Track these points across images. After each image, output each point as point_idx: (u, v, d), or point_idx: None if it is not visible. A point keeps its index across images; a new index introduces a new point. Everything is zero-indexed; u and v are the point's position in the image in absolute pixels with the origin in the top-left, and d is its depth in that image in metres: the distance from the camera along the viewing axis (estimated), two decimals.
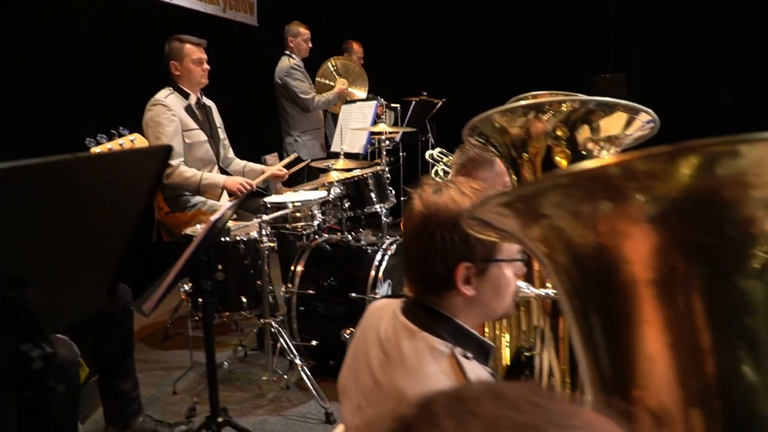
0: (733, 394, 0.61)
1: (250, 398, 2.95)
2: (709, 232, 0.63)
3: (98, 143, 2.43)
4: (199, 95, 3.59)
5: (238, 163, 3.83)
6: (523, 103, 1.51)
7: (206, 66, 3.49)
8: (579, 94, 1.52)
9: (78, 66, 3.93)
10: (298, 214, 3.20)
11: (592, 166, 0.62)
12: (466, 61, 6.93)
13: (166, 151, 1.12)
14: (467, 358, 1.20)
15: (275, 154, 5.31)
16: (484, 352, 1.28)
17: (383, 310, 1.38)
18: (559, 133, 1.45)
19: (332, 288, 3.02)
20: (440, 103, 6.05)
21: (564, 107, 1.47)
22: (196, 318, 3.27)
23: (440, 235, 1.20)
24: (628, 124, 1.46)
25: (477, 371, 1.18)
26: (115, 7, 4.36)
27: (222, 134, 3.75)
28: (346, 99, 5.32)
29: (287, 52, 5.11)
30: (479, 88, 6.63)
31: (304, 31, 5.06)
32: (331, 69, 5.53)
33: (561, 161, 1.46)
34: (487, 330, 1.70)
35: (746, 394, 0.60)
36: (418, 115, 5.74)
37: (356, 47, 6.37)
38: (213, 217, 1.78)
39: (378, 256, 2.95)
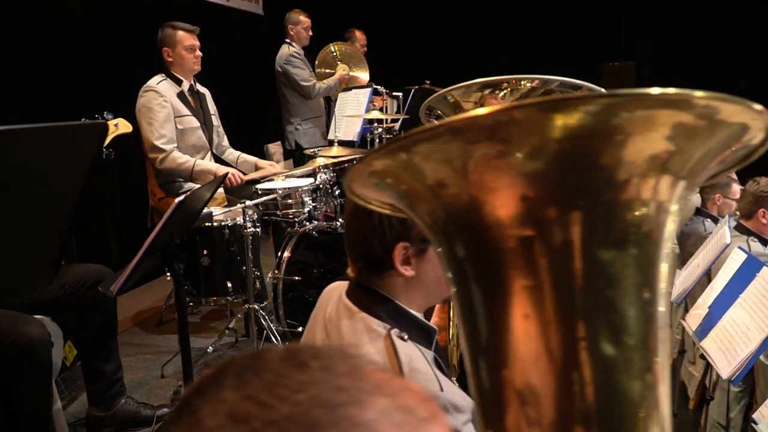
0: (593, 369, 0.59)
1: None
2: (583, 195, 0.60)
3: None
4: (192, 82, 3.59)
5: (232, 153, 3.84)
6: (480, 80, 1.49)
7: (198, 53, 3.49)
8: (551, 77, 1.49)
9: (77, 53, 3.97)
10: (288, 201, 3.20)
11: (463, 116, 0.59)
12: (471, 49, 6.87)
13: (102, 128, 1.12)
14: (403, 339, 1.18)
15: (278, 143, 5.32)
16: (425, 335, 1.26)
17: (333, 292, 1.38)
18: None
19: (319, 274, 3.03)
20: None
21: (523, 85, 1.45)
22: (191, 303, 3.30)
23: (378, 214, 1.19)
24: None
25: (412, 353, 1.16)
26: None
27: (216, 121, 3.76)
28: (347, 85, 5.30)
29: (287, 41, 5.10)
30: (484, 76, 6.55)
31: (304, 20, 5.04)
32: (333, 53, 5.50)
33: None
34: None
35: (605, 369, 0.58)
36: (419, 104, 5.69)
37: (359, 35, 6.34)
38: (178, 199, 1.78)
39: None
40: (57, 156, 1.09)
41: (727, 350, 2.09)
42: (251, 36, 6.26)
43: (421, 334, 1.25)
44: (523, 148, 0.56)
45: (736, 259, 2.40)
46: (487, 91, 1.44)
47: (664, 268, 0.64)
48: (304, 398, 0.39)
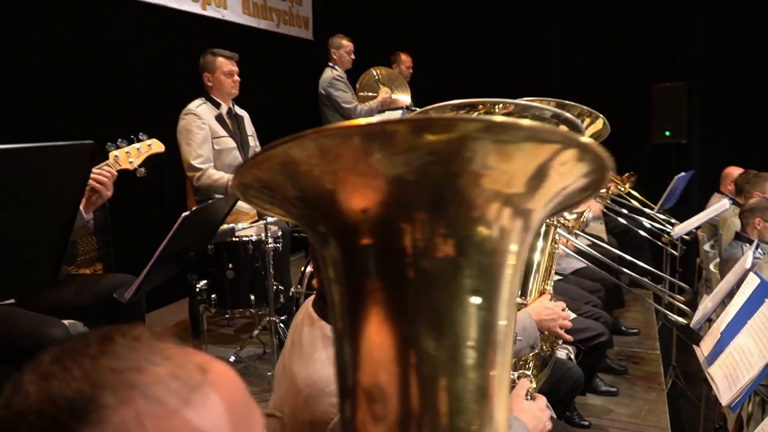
0: (422, 371, 0.64)
1: (257, 392, 3.08)
2: (432, 208, 0.66)
3: (117, 147, 2.66)
4: (230, 105, 3.80)
5: None
6: (456, 101, 1.55)
7: (237, 78, 3.70)
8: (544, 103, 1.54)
9: (120, 75, 4.28)
10: None
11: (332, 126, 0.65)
12: (519, 71, 6.86)
13: (89, 147, 1.26)
14: None
15: None
16: None
17: (308, 303, 1.46)
18: None
19: None
20: None
21: (498, 109, 1.51)
22: (226, 315, 3.46)
23: None
24: None
25: None
26: (178, 22, 4.69)
27: (252, 142, 3.94)
28: (388, 107, 5.43)
29: (330, 64, 5.29)
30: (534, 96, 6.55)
31: (346, 44, 5.22)
32: (375, 77, 5.65)
33: None
34: None
35: (432, 371, 0.64)
36: None
37: (404, 58, 6.47)
38: (185, 213, 1.92)
39: None
40: (50, 172, 1.23)
41: (731, 377, 2.03)
42: (301, 60, 6.51)
43: None
44: (388, 158, 0.63)
45: (750, 284, 2.33)
46: (462, 112, 1.51)
47: (505, 285, 0.69)
48: (99, 364, 0.49)
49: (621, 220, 5.25)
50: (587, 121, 2.41)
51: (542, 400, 1.48)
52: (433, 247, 0.66)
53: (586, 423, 3.35)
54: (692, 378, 3.81)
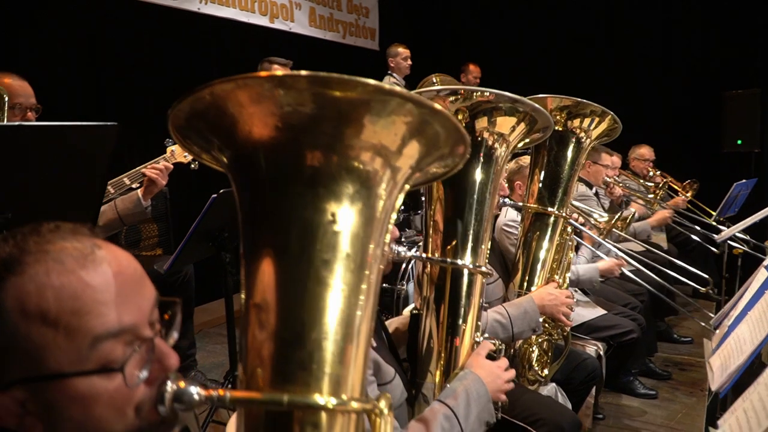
0: (293, 286, 0.83)
1: None
2: (320, 148, 0.85)
3: (174, 143, 3.01)
4: None
5: None
6: (440, 87, 1.72)
7: None
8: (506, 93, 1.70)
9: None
10: None
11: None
12: (589, 78, 6.80)
13: (113, 128, 1.53)
14: None
15: None
16: None
17: None
18: (460, 116, 1.64)
19: None
20: None
21: (476, 96, 1.67)
22: None
23: None
24: (513, 129, 1.63)
25: None
26: (248, 35, 5.09)
27: None
28: None
29: (389, 72, 5.53)
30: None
31: (403, 51, 5.45)
32: (434, 83, 5.83)
33: None
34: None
35: (301, 286, 0.83)
36: None
37: (473, 68, 6.62)
38: (214, 195, 2.19)
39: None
40: (78, 148, 1.52)
41: (724, 365, 2.06)
42: (367, 70, 6.80)
43: None
44: (288, 105, 0.83)
45: (760, 279, 2.33)
46: (443, 93, 1.68)
47: (368, 219, 0.88)
48: (27, 238, 0.72)
49: (676, 227, 5.13)
50: (597, 120, 2.50)
51: (504, 362, 1.60)
52: (316, 175, 0.86)
53: (600, 416, 3.38)
54: (741, 386, 3.71)
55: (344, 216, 0.86)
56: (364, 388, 0.89)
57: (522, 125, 1.66)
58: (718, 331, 2.39)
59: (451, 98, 1.65)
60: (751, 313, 2.13)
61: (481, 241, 1.64)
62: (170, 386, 0.78)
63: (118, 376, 0.73)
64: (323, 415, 0.82)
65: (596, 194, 4.66)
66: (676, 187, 5.68)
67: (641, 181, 5.34)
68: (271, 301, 0.85)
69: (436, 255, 1.63)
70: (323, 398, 0.80)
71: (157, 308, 0.82)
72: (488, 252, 1.67)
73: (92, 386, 0.72)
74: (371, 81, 0.83)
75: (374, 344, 1.50)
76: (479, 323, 1.70)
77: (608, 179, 4.65)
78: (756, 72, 6.33)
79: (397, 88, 0.87)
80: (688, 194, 5.64)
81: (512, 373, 1.61)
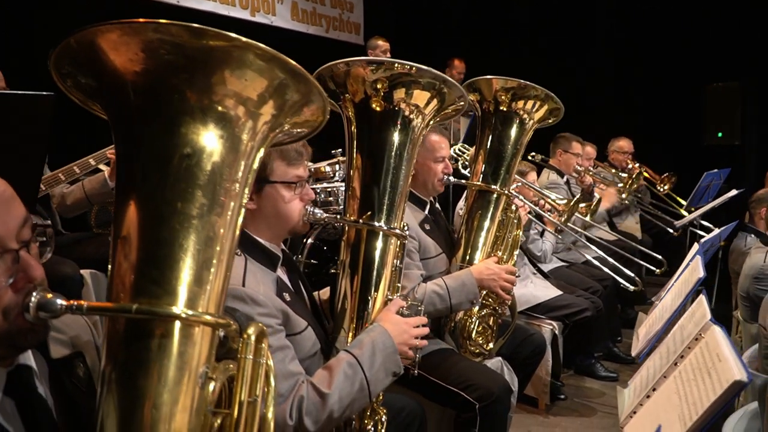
0: (150, 219, 0.94)
1: None
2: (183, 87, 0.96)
3: None
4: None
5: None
6: (365, 57, 1.81)
7: None
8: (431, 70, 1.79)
9: None
10: (329, 198, 3.64)
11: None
12: (572, 71, 6.87)
13: (49, 98, 1.63)
14: (237, 254, 1.55)
15: None
16: (268, 259, 1.62)
17: None
18: (379, 85, 1.74)
19: (330, 258, 3.42)
20: None
21: (397, 68, 1.76)
22: None
23: None
24: (428, 102, 1.73)
25: (238, 265, 1.52)
26: (227, 28, 5.20)
27: None
28: None
29: None
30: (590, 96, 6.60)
31: (382, 44, 5.53)
32: None
33: (375, 107, 1.75)
34: None
35: (157, 218, 0.93)
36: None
37: (458, 63, 6.70)
38: None
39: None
40: (17, 116, 1.62)
41: (648, 332, 2.15)
42: None
43: (264, 257, 1.61)
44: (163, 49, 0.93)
45: (692, 252, 2.42)
46: (370, 67, 1.75)
47: (224, 157, 0.98)
48: None
49: (649, 217, 5.21)
50: (539, 102, 2.59)
51: (416, 320, 1.69)
52: (178, 113, 0.95)
53: (562, 396, 3.47)
54: None
55: (201, 152, 0.96)
56: (220, 308, 0.99)
57: (436, 100, 1.76)
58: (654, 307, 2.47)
59: (371, 67, 1.74)
60: (677, 283, 2.22)
61: (396, 205, 1.73)
62: (35, 296, 0.88)
63: None
64: (176, 325, 0.92)
65: (567, 183, 4.74)
66: (653, 180, 5.76)
67: (615, 171, 5.42)
68: (132, 230, 0.95)
69: (352, 219, 1.73)
70: (174, 309, 0.91)
71: (30, 229, 0.92)
72: (403, 216, 1.77)
73: None
74: (243, 38, 0.95)
75: (288, 299, 1.60)
76: (400, 285, 1.80)
77: (579, 168, 4.73)
78: (736, 65, 6.39)
79: (265, 47, 0.98)
80: (666, 187, 5.71)
81: (422, 330, 1.69)
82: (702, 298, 1.66)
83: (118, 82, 0.95)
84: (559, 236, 3.95)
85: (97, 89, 0.99)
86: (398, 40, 6.06)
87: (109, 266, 0.96)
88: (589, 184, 4.81)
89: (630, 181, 4.95)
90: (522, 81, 2.59)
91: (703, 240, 2.60)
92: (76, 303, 0.89)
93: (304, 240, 3.54)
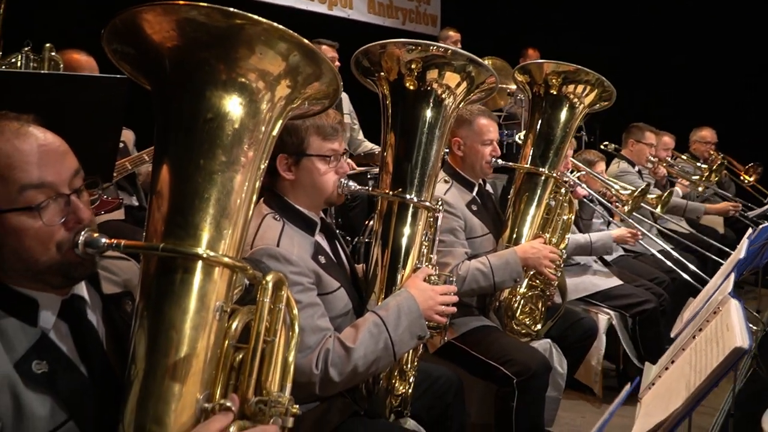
0: (180, 176, 1.10)
1: None
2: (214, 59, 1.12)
3: None
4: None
5: (366, 146, 4.57)
6: (401, 40, 1.92)
7: (337, 63, 4.27)
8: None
9: None
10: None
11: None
12: (659, 61, 6.62)
13: (123, 81, 1.85)
14: (275, 219, 1.71)
15: None
16: (306, 224, 1.76)
17: None
18: (413, 66, 1.85)
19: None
20: None
21: (433, 50, 1.86)
22: None
23: None
24: (458, 85, 1.83)
25: (274, 225, 1.68)
26: (306, 22, 5.43)
27: (349, 119, 4.51)
28: (495, 97, 5.71)
29: None
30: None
31: (453, 35, 5.60)
32: None
33: (409, 87, 1.86)
34: None
35: (185, 175, 1.09)
36: None
37: (532, 53, 6.64)
38: None
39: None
40: (87, 98, 1.85)
41: (690, 315, 2.12)
42: None
43: (301, 222, 1.76)
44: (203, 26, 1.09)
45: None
46: (404, 47, 1.87)
47: (246, 125, 1.13)
48: None
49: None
50: (593, 89, 2.60)
51: (444, 288, 1.78)
52: (205, 82, 1.11)
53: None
54: None
55: (223, 117, 1.12)
56: (238, 254, 1.13)
57: (466, 83, 1.85)
58: None
59: (408, 47, 1.85)
60: (723, 266, 2.18)
61: (426, 179, 1.84)
62: (83, 234, 1.06)
63: (39, 218, 1.02)
64: (198, 264, 1.07)
65: (639, 173, 4.62)
66: (737, 171, 5.49)
67: (697, 164, 5.20)
68: (164, 185, 1.11)
69: (384, 192, 1.85)
70: (197, 249, 1.06)
71: (81, 180, 1.10)
72: (434, 190, 1.87)
73: (21, 222, 1.01)
74: (264, 20, 1.10)
75: (323, 262, 1.74)
76: (433, 256, 1.90)
77: (652, 158, 4.60)
78: None
79: (283, 28, 1.13)
80: (751, 178, 5.43)
81: (449, 298, 1.79)
82: (731, 276, 1.65)
83: (156, 55, 1.12)
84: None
85: (140, 61, 1.16)
86: (474, 31, 6.09)
87: (146, 218, 1.13)
88: (662, 176, 4.67)
89: (709, 172, 4.76)
90: (574, 65, 2.60)
91: (763, 225, 2.51)
92: (116, 241, 1.06)
93: (367, 222, 3.69)
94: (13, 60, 2.30)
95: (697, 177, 4.74)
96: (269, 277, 1.15)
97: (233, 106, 1.13)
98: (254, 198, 1.17)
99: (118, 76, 1.88)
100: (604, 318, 3.31)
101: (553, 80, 2.61)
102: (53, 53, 2.41)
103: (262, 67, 1.14)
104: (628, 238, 3.38)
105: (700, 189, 4.70)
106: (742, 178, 5.37)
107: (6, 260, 1.04)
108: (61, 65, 2.51)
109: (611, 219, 3.85)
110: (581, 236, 3.25)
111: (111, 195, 3.10)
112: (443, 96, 1.83)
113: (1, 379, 0.99)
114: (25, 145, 1.02)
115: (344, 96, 4.54)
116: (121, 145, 3.26)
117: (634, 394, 1.59)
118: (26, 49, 2.34)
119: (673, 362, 1.56)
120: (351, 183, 1.78)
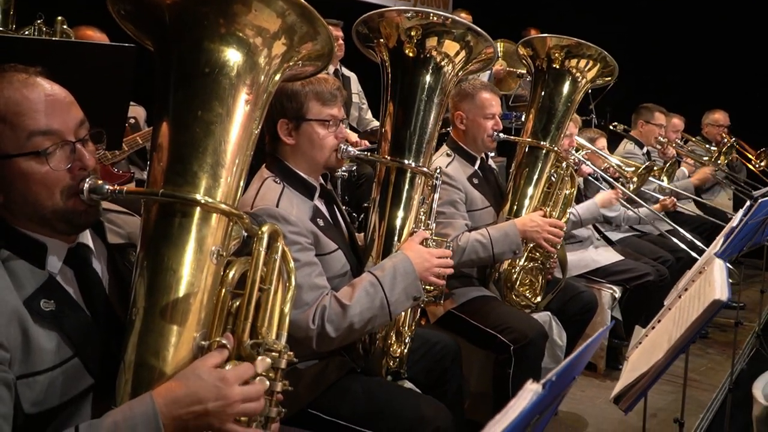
0: (178, 131, 1.16)
1: None
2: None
3: None
4: (337, 66, 4.45)
5: (374, 124, 4.61)
6: (404, 7, 1.96)
7: (340, 42, 4.30)
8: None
9: None
10: None
11: None
12: (668, 43, 6.56)
13: (131, 49, 1.91)
14: (275, 182, 1.77)
15: None
16: (306, 188, 1.82)
17: None
18: (413, 33, 1.89)
19: None
20: None
21: (433, 18, 1.90)
22: None
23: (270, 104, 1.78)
24: (457, 54, 1.86)
25: (274, 188, 1.73)
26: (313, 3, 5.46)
27: (357, 99, 4.56)
28: (504, 80, 5.72)
29: None
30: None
31: (464, 16, 5.59)
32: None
33: (408, 54, 1.90)
34: None
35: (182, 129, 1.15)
36: None
37: (534, 33, 6.63)
38: None
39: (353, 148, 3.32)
40: (96, 66, 1.91)
41: None
42: None
43: (301, 186, 1.81)
44: None
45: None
46: (403, 15, 1.91)
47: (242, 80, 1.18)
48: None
49: (739, 193, 4.96)
50: (595, 63, 2.62)
51: (440, 251, 1.83)
52: (204, 35, 1.17)
53: (620, 367, 3.44)
54: None
55: (220, 70, 1.17)
56: (234, 203, 1.19)
57: (464, 51, 1.88)
58: None
59: (408, 14, 1.88)
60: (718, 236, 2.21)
61: (424, 146, 1.88)
62: (88, 181, 1.13)
63: (46, 163, 1.08)
64: (197, 209, 1.13)
65: (648, 154, 4.62)
66: (749, 155, 5.46)
67: (707, 146, 5.19)
68: (164, 136, 1.18)
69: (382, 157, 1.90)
70: (194, 194, 1.12)
71: (86, 130, 1.16)
72: (431, 157, 1.91)
73: (29, 166, 1.08)
74: None
75: (321, 224, 1.80)
76: (429, 221, 1.95)
77: (661, 139, 4.60)
78: None
79: None
80: (762, 163, 5.41)
81: (445, 261, 1.83)
82: (719, 240, 1.69)
83: (156, 11, 1.17)
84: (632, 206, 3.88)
85: (142, 20, 1.22)
86: (486, 13, 6.07)
87: (147, 169, 1.19)
88: (671, 156, 4.66)
89: (718, 154, 4.74)
90: (576, 39, 2.62)
91: (762, 200, 2.52)
92: (118, 187, 1.12)
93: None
94: (27, 32, 2.38)
95: (707, 158, 4.73)
96: (265, 228, 1.21)
97: (231, 59, 1.18)
98: (251, 151, 1.23)
99: (127, 44, 1.95)
100: (607, 293, 3.34)
101: (556, 54, 2.63)
102: (65, 26, 2.47)
103: (259, 23, 1.19)
104: (614, 198, 3.34)
105: (708, 171, 4.69)
106: (753, 162, 5.34)
107: (15, 204, 1.11)
108: (73, 38, 2.57)
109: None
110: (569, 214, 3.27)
111: (122, 169, 3.18)
112: (442, 64, 1.87)
113: (11, 313, 1.06)
114: (33, 94, 1.08)
115: (353, 77, 4.59)
116: (133, 120, 3.34)
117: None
118: (39, 22, 2.41)
119: (659, 322, 1.60)
120: (350, 148, 1.83)
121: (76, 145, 1.12)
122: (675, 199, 3.70)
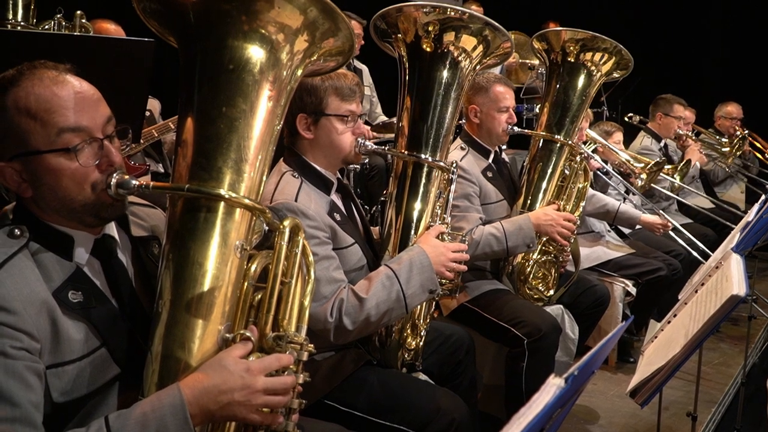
0: (202, 128, 1.18)
1: None
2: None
3: None
4: (351, 60, 4.45)
5: (382, 118, 4.62)
6: (420, 2, 1.97)
7: (361, 41, 4.27)
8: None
9: None
10: None
11: None
12: (686, 37, 6.50)
13: (149, 44, 1.93)
14: (294, 176, 1.79)
15: None
16: (323, 183, 1.83)
17: None
18: (430, 28, 1.90)
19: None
20: None
21: (451, 13, 1.91)
22: None
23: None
24: (474, 48, 1.87)
25: (292, 182, 1.75)
26: None
27: (369, 91, 4.56)
28: (515, 72, 5.70)
29: None
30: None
31: (476, 8, 5.58)
32: None
33: (425, 48, 1.91)
34: None
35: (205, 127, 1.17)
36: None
37: (553, 26, 6.59)
38: None
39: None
40: (114, 60, 1.93)
41: None
42: None
43: (319, 181, 1.83)
44: None
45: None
46: (421, 10, 1.92)
47: (265, 76, 1.20)
48: (24, 67, 1.11)
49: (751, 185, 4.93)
50: (611, 57, 2.62)
51: (455, 245, 1.85)
52: (227, 33, 1.18)
53: (632, 360, 3.46)
54: None
55: (244, 67, 1.19)
56: (257, 198, 1.21)
57: (482, 46, 1.89)
58: None
59: (425, 9, 1.89)
60: (734, 230, 2.21)
61: (441, 141, 1.89)
62: (116, 176, 1.15)
63: (75, 159, 1.10)
64: (221, 204, 1.15)
65: (665, 147, 4.60)
66: (762, 148, 5.43)
67: (718, 138, 5.15)
68: (189, 132, 1.19)
69: (400, 151, 1.91)
70: (218, 190, 1.14)
71: (113, 126, 1.18)
72: (448, 152, 1.92)
73: (59, 162, 1.10)
74: None
75: (338, 219, 1.82)
76: (446, 216, 1.96)
77: (680, 131, 4.58)
78: None
79: None
80: None
81: (461, 256, 1.85)
82: (736, 235, 1.69)
83: (181, 8, 1.19)
84: (647, 200, 3.88)
85: (166, 17, 1.24)
86: (498, 5, 6.05)
87: (172, 167, 1.21)
88: (692, 150, 4.64)
89: (729, 147, 4.72)
90: (591, 32, 2.62)
91: None
92: (145, 183, 1.14)
93: (385, 191, 3.75)
94: (46, 27, 2.40)
95: (727, 150, 4.71)
96: (286, 222, 1.23)
97: (254, 56, 1.19)
98: (273, 146, 1.25)
99: (145, 39, 1.97)
100: (619, 287, 3.35)
101: (571, 47, 2.63)
102: (83, 20, 2.50)
103: (281, 20, 1.21)
104: (657, 227, 3.41)
105: (722, 165, 4.67)
106: (766, 155, 5.31)
107: (44, 198, 1.13)
108: (91, 32, 2.60)
109: (626, 195, 3.85)
110: (611, 201, 3.30)
111: (138, 161, 3.21)
112: (459, 58, 1.88)
113: (41, 304, 1.08)
114: (62, 91, 1.10)
115: (365, 69, 4.59)
116: (148, 113, 3.37)
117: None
118: (58, 16, 2.43)
119: (675, 316, 1.61)
120: (368, 143, 1.85)
121: (104, 141, 1.14)
122: (670, 225, 3.67)
